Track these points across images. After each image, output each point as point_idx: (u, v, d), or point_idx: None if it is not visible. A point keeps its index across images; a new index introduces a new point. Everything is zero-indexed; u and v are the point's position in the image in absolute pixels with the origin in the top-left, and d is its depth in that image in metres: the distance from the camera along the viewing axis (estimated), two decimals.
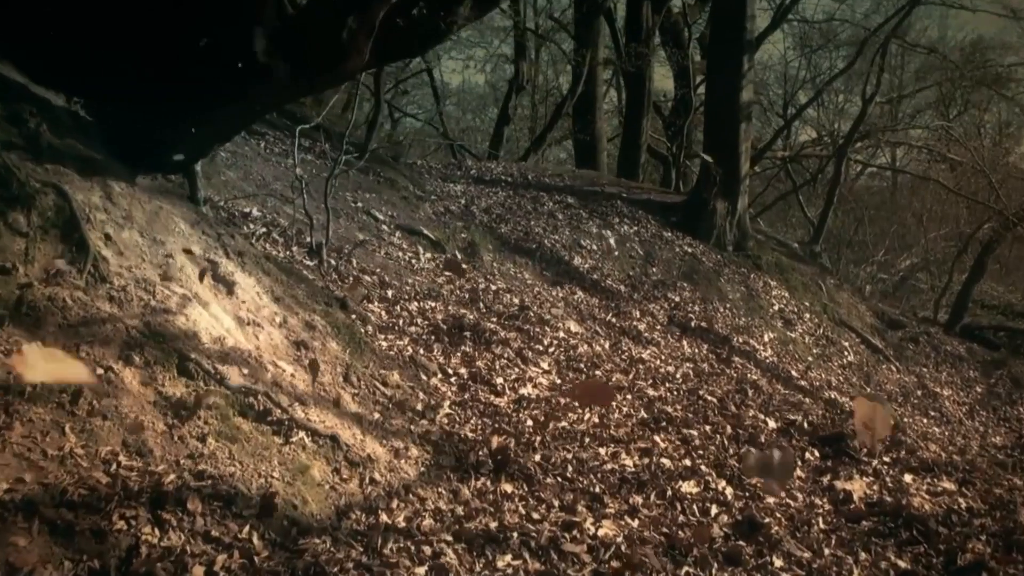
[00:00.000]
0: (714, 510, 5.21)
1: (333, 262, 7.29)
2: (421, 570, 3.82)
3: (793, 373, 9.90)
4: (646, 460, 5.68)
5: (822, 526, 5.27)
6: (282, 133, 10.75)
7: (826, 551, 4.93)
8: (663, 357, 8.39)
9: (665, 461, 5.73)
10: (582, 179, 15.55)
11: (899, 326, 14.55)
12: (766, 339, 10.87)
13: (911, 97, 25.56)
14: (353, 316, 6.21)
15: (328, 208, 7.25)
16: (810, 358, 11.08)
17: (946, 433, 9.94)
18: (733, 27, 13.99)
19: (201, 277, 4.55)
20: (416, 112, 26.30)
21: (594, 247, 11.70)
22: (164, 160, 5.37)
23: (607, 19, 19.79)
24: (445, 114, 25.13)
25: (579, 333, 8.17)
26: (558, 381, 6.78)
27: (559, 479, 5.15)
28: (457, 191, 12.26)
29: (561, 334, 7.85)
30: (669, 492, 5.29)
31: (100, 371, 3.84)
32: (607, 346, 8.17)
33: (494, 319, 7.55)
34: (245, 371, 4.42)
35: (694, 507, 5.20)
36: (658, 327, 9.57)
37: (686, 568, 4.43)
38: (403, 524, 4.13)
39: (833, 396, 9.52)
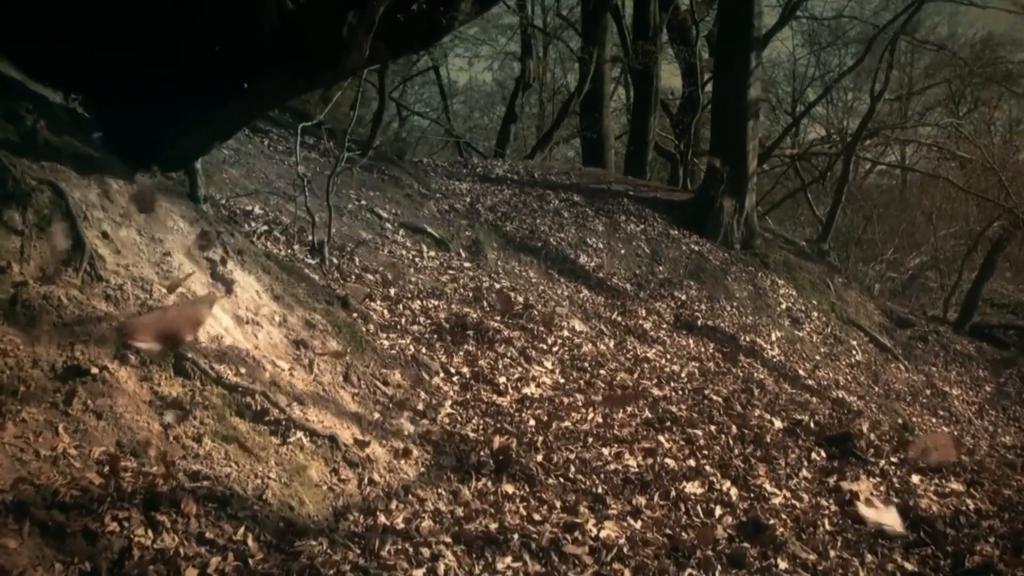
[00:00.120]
0: (718, 511, 5.16)
1: (335, 260, 7.25)
2: (419, 572, 3.77)
3: (800, 372, 9.82)
4: (650, 460, 5.62)
5: (828, 527, 5.22)
6: (286, 131, 10.72)
7: (832, 553, 4.87)
8: (668, 356, 8.32)
9: (669, 461, 5.67)
10: (588, 177, 15.49)
11: (908, 325, 14.46)
12: (773, 338, 10.80)
13: (920, 94, 25.42)
14: (355, 315, 6.16)
15: (330, 206, 7.20)
16: (818, 357, 11.00)
17: (955, 433, 9.85)
18: (740, 24, 13.91)
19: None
20: (424, 111, 26.29)
21: (600, 245, 11.63)
22: (163, 158, 5.33)
23: (614, 16, 19.69)
24: (453, 112, 25.09)
25: (584, 332, 8.11)
26: (562, 380, 6.72)
27: (561, 480, 5.10)
28: (462, 189, 12.20)
29: (565, 333, 7.79)
30: (673, 493, 5.24)
31: (95, 370, 3.79)
32: (612, 345, 8.11)
33: (498, 318, 7.49)
34: (243, 370, 4.38)
35: (698, 508, 5.15)
36: (664, 326, 9.51)
37: (689, 570, 4.38)
38: (402, 525, 4.09)
39: (841, 395, 9.45)
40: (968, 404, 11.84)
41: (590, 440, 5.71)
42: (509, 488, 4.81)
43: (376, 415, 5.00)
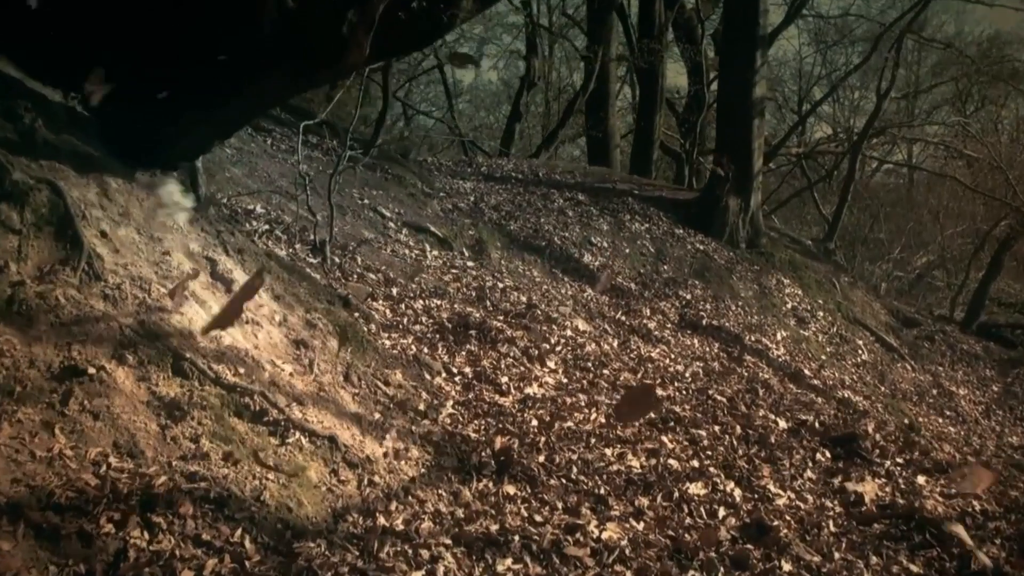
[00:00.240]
0: (722, 512, 5.12)
1: (337, 260, 7.22)
2: (418, 574, 3.74)
3: (806, 372, 9.76)
4: (653, 461, 5.58)
5: (832, 529, 5.17)
6: (289, 130, 10.69)
7: (836, 555, 4.82)
8: (672, 356, 8.28)
9: (672, 462, 5.63)
10: (593, 176, 15.44)
11: (914, 324, 14.38)
12: (778, 338, 10.74)
13: (927, 93, 25.32)
14: (356, 314, 6.13)
15: (331, 205, 7.17)
16: (823, 357, 10.93)
17: (962, 433, 9.80)
18: (746, 22, 13.84)
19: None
20: (430, 110, 26.24)
21: (604, 244, 11.59)
22: (163, 157, 5.30)
23: (620, 15, 19.65)
24: (458, 112, 25.03)
25: (587, 331, 8.07)
26: (564, 380, 6.68)
27: (563, 480, 5.06)
28: (466, 188, 12.17)
29: (568, 332, 7.75)
30: (676, 494, 5.20)
31: (92, 370, 3.77)
32: (615, 345, 8.06)
33: (501, 317, 7.46)
34: (241, 370, 4.35)
35: (701, 509, 5.11)
36: (668, 325, 9.46)
37: (692, 572, 4.35)
38: (401, 527, 4.05)
39: (847, 395, 9.38)
40: (975, 404, 11.76)
41: (593, 440, 5.67)
42: (510, 489, 4.77)
43: (377, 415, 4.97)
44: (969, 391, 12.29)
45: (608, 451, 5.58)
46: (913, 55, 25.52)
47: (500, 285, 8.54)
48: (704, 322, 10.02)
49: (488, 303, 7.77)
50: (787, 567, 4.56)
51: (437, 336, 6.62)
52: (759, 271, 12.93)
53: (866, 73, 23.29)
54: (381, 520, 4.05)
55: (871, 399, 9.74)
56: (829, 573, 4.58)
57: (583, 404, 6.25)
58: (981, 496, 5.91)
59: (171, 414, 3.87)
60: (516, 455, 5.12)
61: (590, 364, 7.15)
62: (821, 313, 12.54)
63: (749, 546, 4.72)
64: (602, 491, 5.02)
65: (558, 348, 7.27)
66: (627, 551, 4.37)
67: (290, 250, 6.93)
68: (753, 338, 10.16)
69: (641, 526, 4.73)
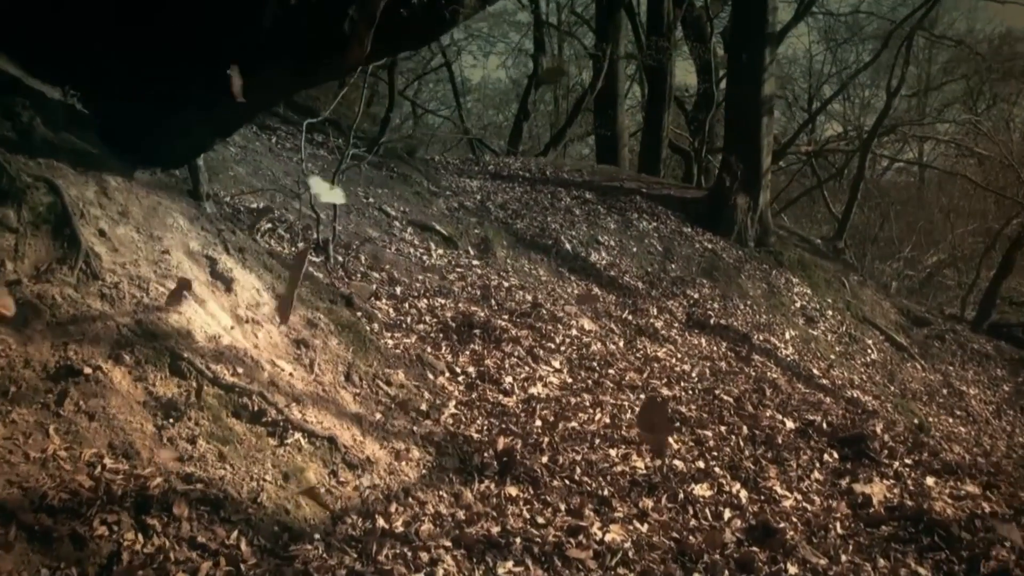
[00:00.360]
0: (727, 514, 5.06)
1: (340, 258, 7.17)
2: None
3: (814, 372, 9.69)
4: (658, 462, 5.51)
5: (839, 531, 5.12)
6: (294, 128, 10.67)
7: (843, 557, 4.77)
8: (679, 356, 8.21)
9: (678, 463, 5.58)
10: (601, 174, 15.38)
11: (924, 323, 14.28)
12: (787, 337, 10.66)
13: (938, 91, 25.19)
14: (359, 314, 6.08)
15: (335, 203, 7.13)
16: (832, 356, 10.86)
17: (972, 433, 9.70)
18: (755, 20, 13.79)
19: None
20: (439, 108, 26.19)
21: (612, 243, 11.53)
22: (163, 155, 5.27)
23: (628, 13, 19.58)
24: (467, 110, 24.98)
25: (593, 331, 8.01)
26: (569, 380, 6.62)
27: (566, 481, 5.01)
28: (473, 187, 12.12)
29: (574, 332, 7.69)
30: (681, 495, 5.14)
31: (88, 370, 3.73)
32: (621, 344, 8.00)
33: (505, 316, 7.41)
34: (240, 370, 4.30)
35: (706, 511, 5.05)
36: (676, 325, 9.39)
37: (696, 575, 4.29)
38: (401, 529, 4.00)
39: (855, 395, 9.32)
40: (985, 404, 11.66)
41: (597, 441, 5.61)
42: (513, 490, 4.72)
43: (378, 416, 4.92)
44: (980, 391, 12.19)
45: (612, 452, 5.53)
46: (924, 53, 25.39)
47: (505, 284, 8.49)
48: (712, 321, 9.95)
49: (493, 302, 7.72)
50: (793, 570, 4.51)
51: (441, 335, 6.58)
52: (768, 270, 12.86)
53: (877, 71, 23.20)
54: (380, 522, 4.00)
55: (880, 399, 9.66)
56: None
57: (588, 404, 6.19)
58: (991, 498, 5.85)
59: (168, 414, 3.82)
60: (519, 456, 5.07)
61: (595, 364, 7.09)
62: (830, 312, 12.46)
63: (755, 548, 4.66)
64: (606, 492, 4.97)
65: (563, 347, 7.21)
66: (630, 553, 4.32)
67: (292, 249, 6.88)
68: (761, 337, 10.09)
69: (645, 528, 4.68)
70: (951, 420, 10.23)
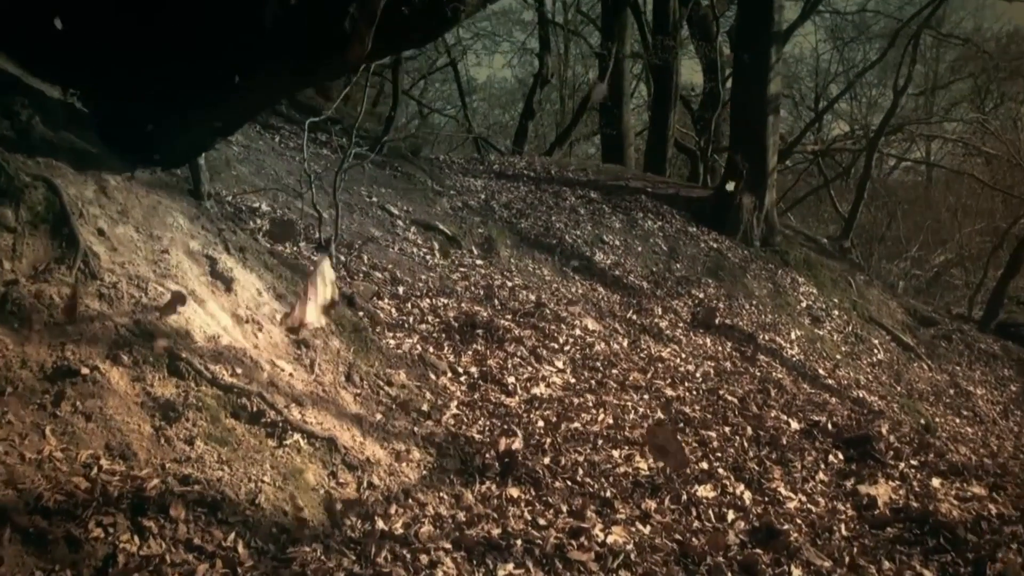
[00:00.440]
0: (731, 516, 5.03)
1: (343, 258, 7.14)
2: None
3: (820, 372, 9.64)
4: (661, 463, 5.47)
5: (844, 533, 5.09)
6: (298, 128, 10.64)
7: (848, 559, 4.73)
8: (683, 356, 8.17)
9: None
10: (606, 174, 15.33)
11: (931, 323, 14.20)
12: (792, 337, 10.61)
13: (946, 90, 25.06)
14: (360, 313, 6.05)
15: (337, 202, 7.09)
16: (838, 356, 10.80)
17: (979, 433, 9.63)
18: (760, 18, 13.71)
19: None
20: (445, 108, 26.15)
21: (616, 242, 11.48)
22: (164, 154, 5.24)
23: (634, 12, 19.50)
24: (473, 110, 24.93)
25: (597, 331, 7.96)
26: (572, 380, 6.58)
27: (569, 483, 4.97)
28: (477, 186, 12.09)
29: (578, 332, 7.65)
30: (684, 497, 5.11)
31: (86, 371, 3.70)
32: (625, 344, 7.96)
33: (509, 316, 7.37)
34: (239, 370, 4.27)
35: (710, 513, 5.02)
36: (680, 324, 9.34)
37: None
38: (400, 531, 3.97)
39: (861, 395, 9.27)
40: (993, 404, 11.58)
41: (600, 442, 5.58)
42: (514, 492, 4.69)
43: (378, 416, 4.89)
44: (987, 391, 12.11)
45: (615, 452, 5.49)
46: (931, 52, 25.29)
47: (509, 284, 8.45)
48: (717, 321, 9.90)
49: (496, 302, 7.69)
50: (797, 572, 4.48)
51: (443, 335, 6.54)
52: (773, 269, 12.81)
53: (884, 70, 23.09)
54: (380, 524, 3.97)
55: (887, 399, 9.61)
56: None
57: (591, 405, 6.16)
58: (998, 499, 5.81)
59: (166, 415, 3.80)
60: (521, 457, 5.04)
61: (599, 364, 7.05)
62: (836, 312, 12.40)
63: (758, 551, 4.63)
64: (608, 494, 4.94)
65: (566, 347, 7.17)
66: (632, 556, 4.29)
67: (294, 248, 6.85)
68: (767, 337, 10.04)
69: (647, 530, 4.65)
70: (958, 420, 10.16)
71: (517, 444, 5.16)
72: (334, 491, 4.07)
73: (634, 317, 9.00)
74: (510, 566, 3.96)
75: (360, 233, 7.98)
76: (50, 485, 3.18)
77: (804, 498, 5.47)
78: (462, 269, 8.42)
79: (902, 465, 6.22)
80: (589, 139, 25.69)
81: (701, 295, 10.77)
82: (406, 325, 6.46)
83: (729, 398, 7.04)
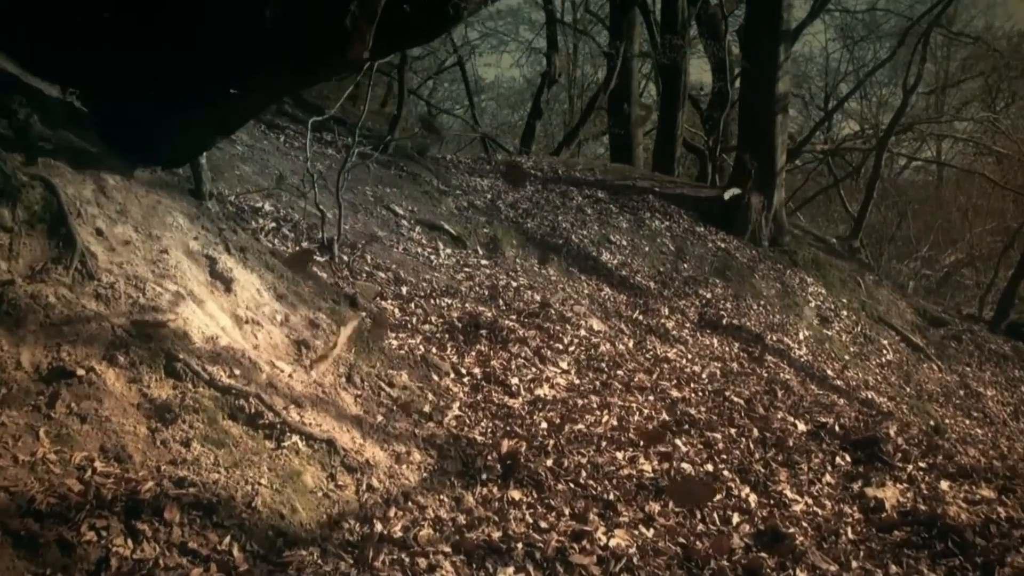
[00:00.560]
0: (735, 519, 4.96)
1: (346, 258, 7.10)
2: None
3: (828, 372, 9.57)
4: (665, 465, 5.43)
5: (850, 536, 5.02)
6: (303, 127, 10.60)
7: (854, 564, 4.68)
8: (690, 356, 8.10)
9: (686, 466, 5.48)
10: (614, 173, 15.26)
11: (941, 323, 14.11)
12: (801, 337, 10.54)
13: (957, 89, 24.91)
14: (363, 314, 6.00)
15: (340, 202, 7.06)
16: (847, 357, 10.72)
17: (989, 435, 9.55)
18: (769, 17, 13.66)
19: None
20: (454, 108, 26.11)
21: (623, 242, 11.43)
22: (164, 154, 5.21)
23: (642, 11, 19.42)
24: (481, 110, 24.90)
25: (602, 331, 7.91)
26: (577, 381, 6.53)
27: (571, 485, 4.92)
28: (484, 186, 12.04)
29: (583, 332, 7.59)
30: None
31: (81, 372, 3.67)
32: (631, 345, 7.90)
33: (513, 316, 7.32)
34: (237, 372, 4.23)
35: (714, 515, 4.96)
36: (687, 325, 9.29)
37: None
38: (399, 534, 3.92)
39: (870, 396, 9.20)
40: (1003, 405, 11.49)
41: (604, 443, 5.52)
42: (516, 494, 4.64)
43: (379, 418, 4.84)
44: (997, 392, 12.02)
45: (619, 454, 5.44)
46: (942, 50, 25.15)
47: (514, 284, 8.40)
48: (724, 321, 9.84)
49: (501, 302, 7.64)
50: None
51: (446, 336, 6.49)
52: (782, 270, 12.74)
53: (894, 69, 22.99)
54: (378, 527, 3.92)
55: (896, 400, 9.54)
56: None
57: (595, 406, 6.10)
58: (1007, 502, 5.73)
59: (162, 417, 3.76)
60: (523, 459, 4.98)
61: (604, 365, 7.00)
62: (845, 312, 12.32)
63: (763, 554, 4.57)
64: (611, 496, 4.88)
65: (571, 348, 7.12)
66: (635, 559, 4.23)
67: (296, 248, 6.81)
68: (774, 338, 9.97)
69: (651, 533, 4.59)
70: (968, 422, 10.08)
71: (520, 446, 5.11)
72: (332, 494, 4.03)
73: (640, 317, 8.94)
74: (510, 570, 3.91)
75: (364, 233, 7.94)
76: (43, 488, 3.15)
77: (810, 501, 5.41)
78: (467, 269, 8.37)
79: (910, 467, 6.15)
80: (598, 139, 25.61)
81: (708, 295, 10.71)
82: (409, 325, 6.41)
83: (735, 399, 6.98)
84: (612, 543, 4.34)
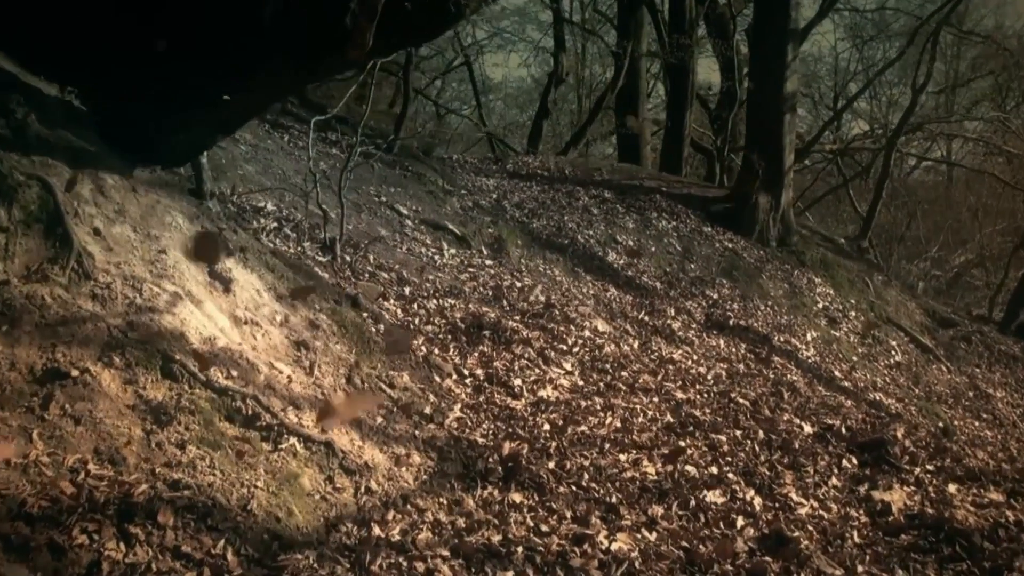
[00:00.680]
0: (740, 522, 4.90)
1: (348, 258, 7.05)
2: None
3: (836, 374, 9.49)
4: (669, 467, 5.37)
5: (856, 540, 4.96)
6: (308, 127, 10.56)
7: (860, 568, 4.61)
8: (695, 357, 8.04)
9: (690, 468, 5.42)
10: (621, 173, 15.21)
11: (951, 324, 14.01)
12: (808, 338, 10.46)
13: (966, 88, 24.76)
14: (365, 314, 5.96)
15: (342, 201, 7.01)
16: (855, 358, 10.64)
17: (998, 437, 9.45)
18: (777, 15, 13.57)
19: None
20: (462, 107, 26.08)
21: (630, 242, 11.36)
22: (163, 153, 5.18)
23: (650, 10, 19.35)
24: (490, 109, 24.86)
25: (607, 332, 7.85)
26: (580, 383, 6.47)
27: (573, 488, 4.87)
28: (489, 185, 11.99)
29: (587, 333, 7.54)
30: (692, 502, 4.99)
31: (76, 373, 3.63)
32: (636, 346, 7.84)
33: (517, 317, 7.26)
34: (235, 373, 4.19)
35: (718, 519, 4.90)
36: (693, 326, 9.22)
37: None
38: (397, 537, 3.88)
39: (878, 398, 9.12)
40: (1013, 407, 11.39)
41: (607, 446, 5.47)
42: (517, 497, 4.59)
43: (379, 419, 4.80)
44: (1007, 393, 11.92)
45: (623, 457, 5.38)
46: (952, 49, 25.02)
47: (518, 284, 8.35)
48: (731, 322, 9.77)
49: (505, 303, 7.58)
50: None
51: (449, 337, 6.44)
52: (790, 270, 12.66)
53: (903, 68, 22.86)
54: (376, 530, 3.88)
55: (904, 402, 9.46)
56: None
57: (599, 407, 6.05)
58: (1015, 506, 5.66)
59: (157, 419, 3.72)
60: (525, 461, 4.94)
61: (608, 366, 6.94)
62: (853, 313, 12.23)
63: (767, 558, 4.51)
64: (614, 499, 4.83)
65: (575, 349, 7.06)
66: (637, 563, 4.18)
67: (298, 248, 6.76)
68: (782, 339, 9.90)
69: (653, 536, 4.54)
70: (977, 424, 9.99)
71: (521, 448, 5.07)
72: (330, 496, 3.98)
73: (646, 318, 8.88)
74: (509, 574, 3.86)
75: (367, 233, 7.89)
76: (34, 490, 3.11)
77: (816, 504, 5.34)
78: (471, 269, 8.32)
79: (917, 470, 6.08)
80: (606, 139, 25.55)
81: (715, 296, 10.64)
82: (411, 326, 6.36)
83: (741, 401, 6.91)
84: (614, 547, 4.29)
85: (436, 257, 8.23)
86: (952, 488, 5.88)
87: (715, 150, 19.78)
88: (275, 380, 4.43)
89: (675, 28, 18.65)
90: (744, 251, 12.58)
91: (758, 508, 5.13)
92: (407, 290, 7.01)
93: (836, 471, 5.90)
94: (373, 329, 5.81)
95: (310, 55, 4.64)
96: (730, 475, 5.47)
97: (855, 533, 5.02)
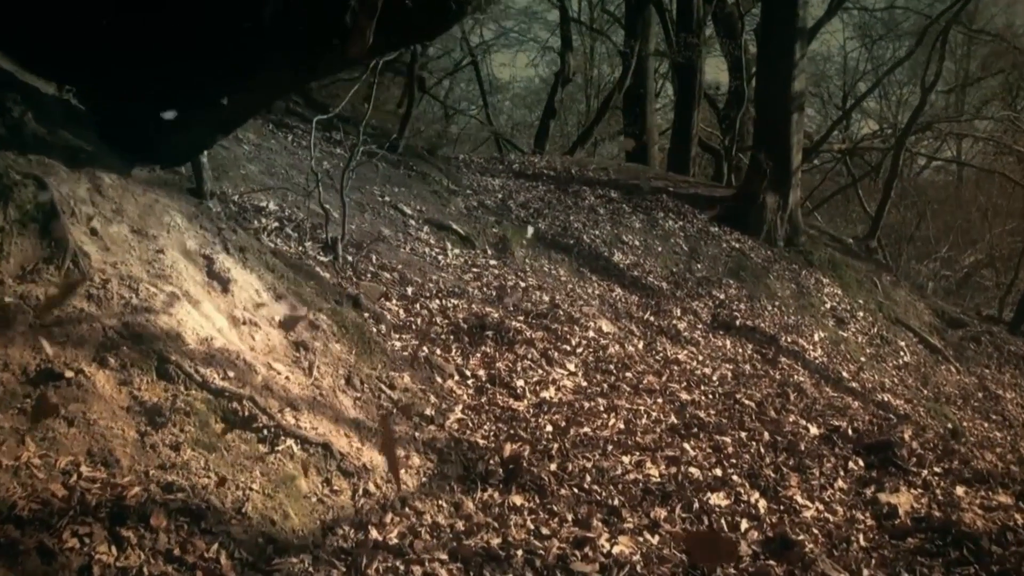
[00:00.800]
0: (744, 525, 4.84)
1: (350, 258, 7.00)
2: None
3: (843, 374, 9.42)
4: (673, 469, 5.31)
5: (862, 543, 4.90)
6: (311, 126, 10.55)
7: (866, 572, 4.55)
8: (700, 358, 7.98)
9: (694, 471, 5.36)
10: (627, 173, 15.15)
11: (960, 325, 13.92)
12: (816, 339, 10.39)
13: (976, 87, 24.65)
14: (366, 315, 5.92)
15: (344, 201, 6.97)
16: (863, 359, 10.57)
17: (1007, 439, 9.37)
18: (785, 14, 13.51)
19: None
20: (470, 107, 26.06)
21: (636, 242, 11.31)
22: (162, 153, 5.14)
23: (658, 10, 19.31)
24: (497, 109, 24.83)
25: (611, 333, 7.79)
26: (584, 384, 6.42)
27: (575, 490, 4.81)
28: (495, 185, 11.95)
29: (591, 333, 7.48)
30: (696, 505, 4.94)
31: (70, 374, 3.59)
32: (640, 346, 7.78)
33: (520, 317, 7.21)
34: (231, 374, 4.15)
35: (722, 522, 4.84)
36: (700, 326, 9.16)
37: None
38: (395, 541, 3.83)
39: (886, 399, 9.04)
40: (1022, 408, 11.31)
41: (610, 447, 5.41)
42: (517, 499, 4.54)
43: (379, 421, 4.75)
44: (1017, 394, 11.83)
45: (625, 459, 5.32)
46: (962, 48, 24.92)
47: (522, 284, 8.30)
48: (738, 322, 9.71)
49: (508, 303, 7.53)
50: None
51: (451, 337, 6.40)
52: (797, 270, 12.59)
53: (913, 67, 22.76)
54: (374, 533, 3.83)
55: (912, 403, 9.38)
56: None
57: (602, 409, 5.99)
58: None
59: (152, 420, 3.67)
60: (526, 463, 4.88)
61: (612, 367, 6.89)
62: (861, 313, 12.16)
63: (772, 562, 4.45)
64: (616, 502, 4.77)
65: (579, 350, 7.01)
66: (639, 567, 4.12)
67: (299, 248, 6.71)
68: (789, 339, 9.83)
69: (656, 540, 4.48)
70: (986, 425, 9.91)
71: (523, 450, 5.01)
72: (327, 499, 3.94)
73: (651, 318, 8.82)
74: None
75: (370, 233, 7.85)
76: (25, 493, 3.06)
77: (821, 507, 5.28)
78: (475, 269, 8.28)
79: (925, 472, 6.01)
80: (614, 139, 25.51)
81: (722, 296, 10.59)
82: (413, 327, 6.32)
83: (746, 402, 6.85)
84: (616, 550, 4.23)
85: (440, 257, 8.18)
86: (960, 490, 5.81)
87: (723, 150, 19.72)
88: (273, 381, 4.38)
89: (683, 27, 18.62)
90: (751, 251, 12.51)
91: (762, 511, 5.06)
92: (409, 290, 6.96)
93: (842, 473, 5.84)
94: (374, 329, 5.77)
95: (310, 53, 4.61)
96: (734, 477, 5.41)
97: (861, 536, 4.95)
